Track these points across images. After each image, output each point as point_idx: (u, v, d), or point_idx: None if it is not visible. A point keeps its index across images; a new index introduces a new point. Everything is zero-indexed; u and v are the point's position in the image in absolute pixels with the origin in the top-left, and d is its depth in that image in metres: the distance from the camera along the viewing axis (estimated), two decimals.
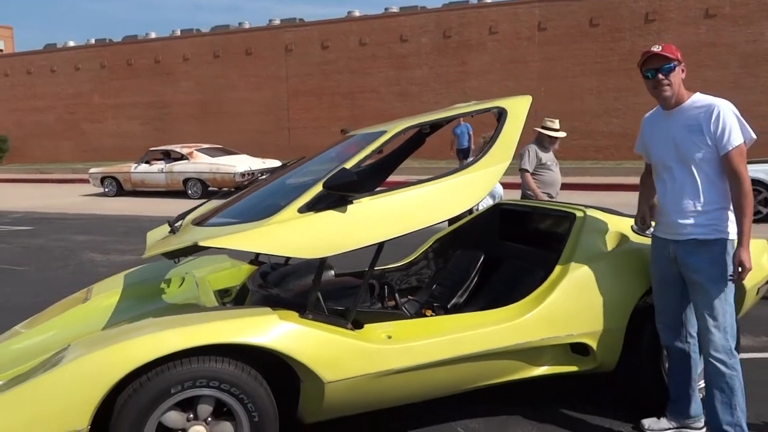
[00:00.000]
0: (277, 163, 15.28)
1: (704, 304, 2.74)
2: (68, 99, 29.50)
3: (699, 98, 2.78)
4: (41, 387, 2.22)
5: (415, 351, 2.67)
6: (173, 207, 12.38)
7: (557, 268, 3.11)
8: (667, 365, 3.11)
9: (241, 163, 14.99)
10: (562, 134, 5.77)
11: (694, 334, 2.92)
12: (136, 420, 2.29)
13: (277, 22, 26.82)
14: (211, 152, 15.84)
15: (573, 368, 3.09)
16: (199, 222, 3.06)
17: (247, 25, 27.68)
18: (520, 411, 3.29)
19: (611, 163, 18.38)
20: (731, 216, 2.73)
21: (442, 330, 2.82)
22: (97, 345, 2.33)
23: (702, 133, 2.69)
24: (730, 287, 2.73)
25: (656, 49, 2.75)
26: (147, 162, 15.90)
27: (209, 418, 2.46)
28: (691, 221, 2.74)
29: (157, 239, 3.13)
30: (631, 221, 3.36)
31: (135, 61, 27.87)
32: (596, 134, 19.93)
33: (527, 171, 5.63)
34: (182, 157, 15.45)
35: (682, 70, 2.79)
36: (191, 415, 2.43)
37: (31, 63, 30.28)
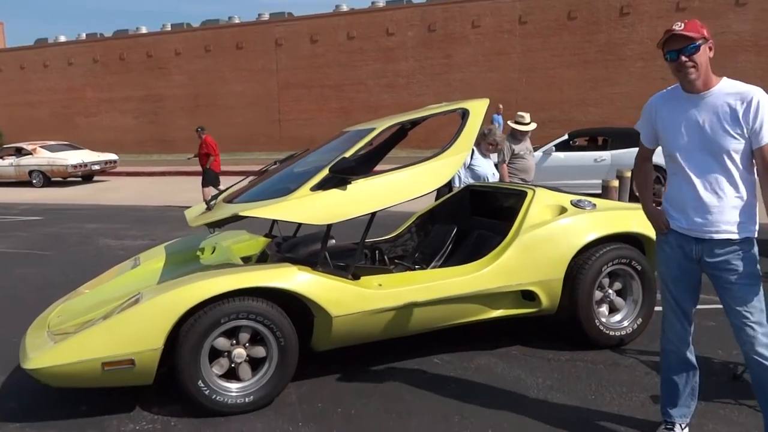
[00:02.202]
0: (112, 157, 19.35)
1: (741, 303, 2.58)
2: (61, 93, 30.03)
3: (731, 83, 2.55)
4: (130, 317, 3.07)
5: (399, 295, 3.54)
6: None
7: (510, 233, 3.99)
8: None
9: (75, 157, 17.96)
10: (531, 128, 6.69)
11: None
12: (196, 343, 3.14)
13: (267, 16, 27.47)
14: (55, 148, 18.62)
15: (523, 311, 3.97)
16: (230, 200, 3.90)
17: (237, 20, 28.32)
18: (484, 346, 4.17)
19: None
20: (756, 212, 2.59)
21: (421, 280, 3.69)
22: (166, 289, 3.18)
23: (736, 122, 2.47)
24: (760, 282, 2.62)
25: (678, 27, 2.50)
26: (1, 157, 18.59)
27: (247, 343, 3.31)
28: (720, 218, 2.55)
29: (196, 214, 3.97)
30: (571, 197, 4.25)
31: (127, 55, 28.45)
32: (575, 123, 20.83)
33: (504, 162, 6.57)
34: (28, 153, 18.17)
35: (710, 48, 2.53)
36: (234, 341, 3.29)
37: (24, 58, 30.74)
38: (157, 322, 3.07)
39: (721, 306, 2.74)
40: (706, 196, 2.56)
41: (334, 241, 4.28)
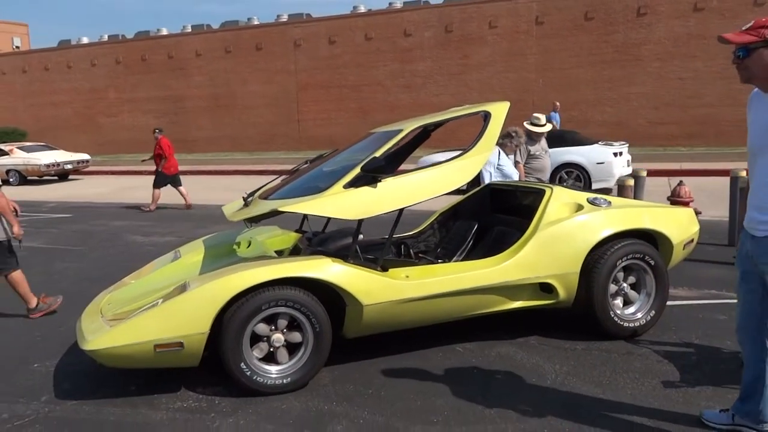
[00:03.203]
0: (84, 157, 20.51)
1: None
2: (85, 94, 30.62)
3: None
4: (179, 304, 3.35)
5: (425, 285, 3.79)
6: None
7: (530, 229, 4.22)
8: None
9: (48, 157, 19.22)
10: (546, 129, 6.94)
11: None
12: (239, 327, 3.41)
13: (285, 17, 27.83)
14: (32, 149, 19.79)
15: (541, 302, 4.20)
16: (266, 197, 4.18)
17: (256, 21, 28.70)
18: (503, 336, 4.41)
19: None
20: None
21: (445, 272, 3.93)
22: (212, 278, 3.46)
23: None
24: None
25: (745, 27, 2.53)
26: None
27: (285, 329, 3.58)
28: (766, 218, 2.56)
29: (234, 210, 4.25)
30: (588, 195, 4.48)
31: (149, 56, 28.96)
32: (591, 123, 20.96)
33: (519, 162, 6.81)
34: (5, 154, 19.37)
35: None
36: (273, 327, 3.55)
37: (48, 59, 31.39)
38: (204, 308, 3.35)
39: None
40: (762, 194, 2.58)
41: (362, 236, 4.54)
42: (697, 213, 5.48)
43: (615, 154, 11.45)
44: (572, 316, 4.43)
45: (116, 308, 3.84)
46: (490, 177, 6.11)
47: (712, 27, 19.42)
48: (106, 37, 31.86)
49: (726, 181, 11.91)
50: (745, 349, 2.90)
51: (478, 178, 6.09)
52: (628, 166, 11.73)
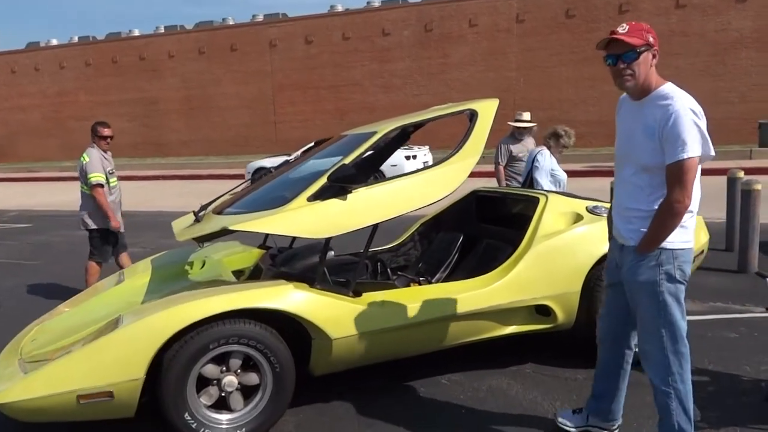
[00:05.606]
0: None
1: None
2: (53, 97, 29.67)
3: (666, 91, 2.40)
4: (107, 345, 2.77)
5: (405, 313, 3.25)
6: None
7: (523, 244, 3.70)
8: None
9: None
10: (526, 124, 6.35)
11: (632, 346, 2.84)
12: (182, 371, 2.84)
13: (261, 17, 27.18)
14: None
15: (538, 327, 3.69)
16: (219, 212, 3.60)
17: (231, 21, 28.01)
18: (494, 364, 3.88)
19: (589, 150, 19.07)
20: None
21: (427, 296, 3.40)
22: (149, 312, 2.88)
23: (653, 136, 2.38)
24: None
25: (621, 31, 2.38)
26: None
27: (239, 370, 3.02)
28: (631, 227, 2.55)
29: (184, 227, 3.67)
30: (586, 203, 3.97)
31: (120, 58, 28.11)
32: (574, 122, 20.58)
33: (499, 164, 6.25)
34: None
35: (654, 56, 2.41)
36: (224, 368, 2.99)
37: (15, 62, 30.37)
38: (138, 349, 2.77)
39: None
40: (626, 204, 2.58)
41: (333, 252, 3.98)
42: None
43: (407, 158, 12.34)
44: (570, 337, 3.92)
45: (39, 346, 3.24)
46: (546, 187, 5.33)
47: (695, 24, 19.18)
48: (76, 39, 30.91)
49: (715, 180, 11.60)
50: (602, 352, 2.91)
51: (532, 183, 5.45)
52: None
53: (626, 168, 2.54)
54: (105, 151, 5.70)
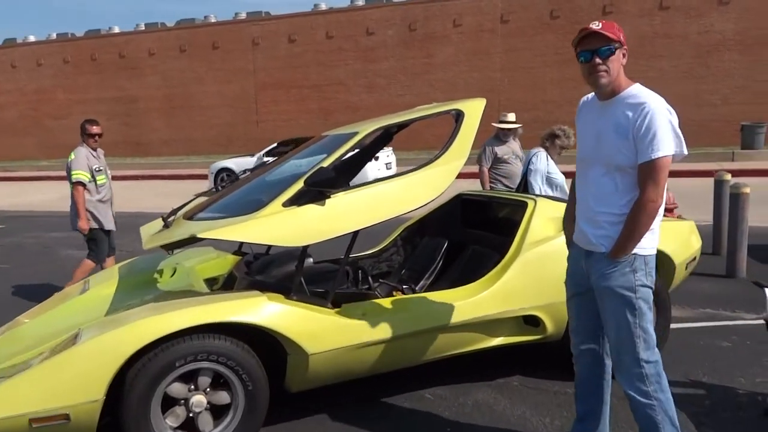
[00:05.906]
0: None
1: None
2: (30, 95, 29.03)
3: (635, 92, 2.38)
4: (63, 363, 2.55)
5: (386, 325, 3.06)
6: None
7: (511, 251, 3.53)
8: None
9: None
10: (512, 125, 6.15)
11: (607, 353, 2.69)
12: (145, 390, 2.63)
13: (243, 15, 26.82)
14: None
15: (526, 338, 3.52)
16: (190, 217, 3.39)
17: (213, 19, 27.61)
18: (480, 377, 3.71)
19: (573, 150, 18.98)
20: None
21: (410, 307, 3.21)
22: (109, 326, 2.66)
23: (626, 135, 2.33)
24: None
25: (595, 26, 2.34)
26: None
27: (208, 389, 2.81)
28: (602, 232, 2.45)
29: (152, 233, 3.45)
30: None
31: (99, 56, 27.57)
32: (558, 123, 20.51)
33: (483, 166, 6.06)
34: None
35: (624, 55, 2.39)
36: (192, 386, 2.78)
37: None
38: (98, 367, 2.55)
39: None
40: (594, 207, 2.49)
41: (311, 259, 3.78)
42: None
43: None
44: (560, 348, 3.76)
45: None
46: (541, 190, 5.13)
47: (678, 26, 19.19)
48: (54, 36, 30.29)
49: (699, 182, 11.58)
50: (581, 368, 2.75)
51: (526, 187, 5.20)
52: None
53: (594, 169, 2.47)
54: (94, 149, 5.61)
